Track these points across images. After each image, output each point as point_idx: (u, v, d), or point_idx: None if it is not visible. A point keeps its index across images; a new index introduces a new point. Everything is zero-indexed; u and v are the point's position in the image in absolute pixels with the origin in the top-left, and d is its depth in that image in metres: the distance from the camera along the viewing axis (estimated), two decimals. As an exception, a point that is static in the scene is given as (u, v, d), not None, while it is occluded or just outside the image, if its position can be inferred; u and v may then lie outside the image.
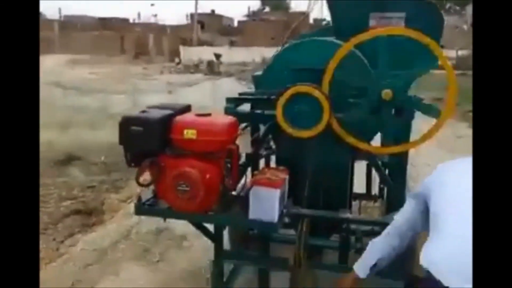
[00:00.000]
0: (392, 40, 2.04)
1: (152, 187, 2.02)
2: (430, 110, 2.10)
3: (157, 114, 1.90)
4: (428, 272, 1.36)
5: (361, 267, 1.66)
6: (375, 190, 3.31)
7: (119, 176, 4.93)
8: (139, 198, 2.04)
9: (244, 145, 2.19)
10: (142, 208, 2.02)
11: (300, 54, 2.30)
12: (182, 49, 31.95)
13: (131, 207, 2.01)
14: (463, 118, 7.86)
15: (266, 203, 1.87)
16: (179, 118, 1.90)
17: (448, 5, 50.37)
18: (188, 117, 1.93)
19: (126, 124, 1.87)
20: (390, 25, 2.28)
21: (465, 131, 6.87)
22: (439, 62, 2.02)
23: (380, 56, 2.05)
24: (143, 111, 1.94)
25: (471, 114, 8.46)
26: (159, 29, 39.45)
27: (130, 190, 4.44)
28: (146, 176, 1.94)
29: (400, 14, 2.32)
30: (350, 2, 2.40)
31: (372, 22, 2.37)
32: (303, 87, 2.02)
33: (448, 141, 5.93)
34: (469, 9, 46.51)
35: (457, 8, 49.82)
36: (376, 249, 1.63)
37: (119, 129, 1.88)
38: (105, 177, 5.02)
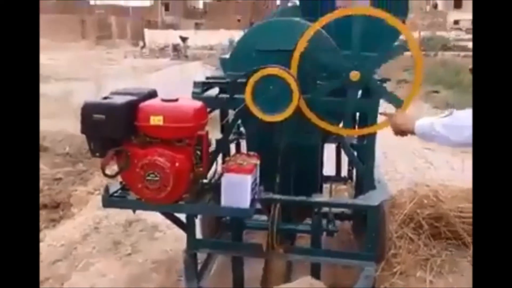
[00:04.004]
0: (361, 22, 2.02)
1: (119, 177, 1.94)
2: (392, 99, 2.12)
3: (120, 100, 1.80)
4: None
5: (425, 128, 1.66)
6: (344, 172, 3.36)
7: (85, 167, 4.77)
8: (107, 190, 1.96)
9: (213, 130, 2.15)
10: (110, 200, 1.94)
11: (267, 35, 2.24)
12: (147, 32, 31.06)
13: (100, 199, 1.95)
14: (426, 99, 8.07)
15: (238, 189, 1.84)
16: (144, 104, 1.82)
17: (410, -13, 51.51)
18: (154, 102, 1.85)
19: (88, 112, 1.77)
20: (355, 5, 2.27)
21: (428, 112, 7.06)
22: (408, 43, 2.04)
23: (351, 37, 2.03)
24: (106, 97, 1.84)
25: (433, 94, 8.72)
26: (122, 11, 38.04)
27: (97, 181, 4.30)
28: (114, 166, 1.86)
29: None
30: None
31: (338, 3, 2.36)
32: (271, 70, 1.97)
33: (413, 121, 6.07)
34: (430, -10, 47.99)
35: (419, -11, 51.10)
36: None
37: (80, 117, 1.79)
38: (71, 168, 4.84)
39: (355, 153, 2.51)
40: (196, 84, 2.30)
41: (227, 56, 2.45)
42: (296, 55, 2.06)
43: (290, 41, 2.08)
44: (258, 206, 2.11)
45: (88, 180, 4.46)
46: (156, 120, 1.77)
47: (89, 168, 4.71)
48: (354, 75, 2.03)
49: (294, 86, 1.97)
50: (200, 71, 12.94)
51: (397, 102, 2.09)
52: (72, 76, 12.70)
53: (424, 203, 3.15)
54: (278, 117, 2.03)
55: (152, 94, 1.98)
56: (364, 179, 2.26)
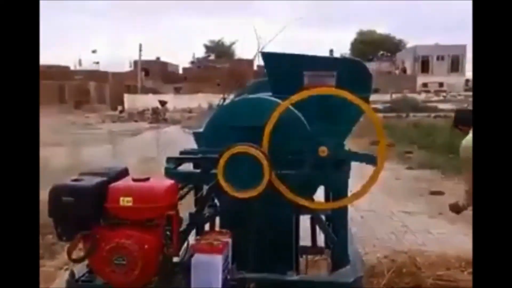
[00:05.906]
0: (324, 96, 2.13)
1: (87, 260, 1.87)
2: (367, 159, 2.18)
3: (90, 182, 1.79)
4: None
5: None
6: (321, 239, 3.32)
7: (54, 239, 4.55)
8: (72, 274, 1.88)
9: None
10: (75, 286, 1.86)
11: (238, 112, 2.33)
12: (126, 97, 31.57)
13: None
14: (399, 160, 8.26)
15: (209, 271, 1.80)
16: (114, 185, 1.81)
17: (380, 52, 55.01)
18: (123, 183, 1.84)
19: (56, 194, 1.75)
20: (322, 83, 2.39)
21: (403, 173, 7.21)
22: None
23: (312, 114, 2.13)
24: (75, 179, 1.83)
25: (407, 155, 8.96)
26: (101, 77, 38.71)
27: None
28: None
29: (331, 72, 2.45)
30: (284, 61, 2.50)
31: (306, 80, 2.48)
32: (241, 148, 2.02)
33: (388, 184, 6.18)
34: (399, 55, 51.25)
35: (389, 54, 54.50)
36: None
37: (48, 200, 1.76)
38: (40, 240, 4.62)
39: (330, 224, 2.51)
40: (169, 160, 2.31)
41: (201, 130, 2.50)
42: (267, 132, 2.12)
43: (260, 118, 2.15)
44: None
45: (58, 254, 4.24)
46: (125, 202, 1.75)
47: (59, 241, 4.51)
48: (322, 151, 2.09)
49: (264, 163, 2.01)
50: (179, 135, 13.04)
51: (371, 160, 2.13)
52: (47, 141, 12.54)
53: (402, 271, 3.14)
54: (250, 193, 2.04)
55: (123, 173, 1.97)
56: (338, 254, 2.24)
